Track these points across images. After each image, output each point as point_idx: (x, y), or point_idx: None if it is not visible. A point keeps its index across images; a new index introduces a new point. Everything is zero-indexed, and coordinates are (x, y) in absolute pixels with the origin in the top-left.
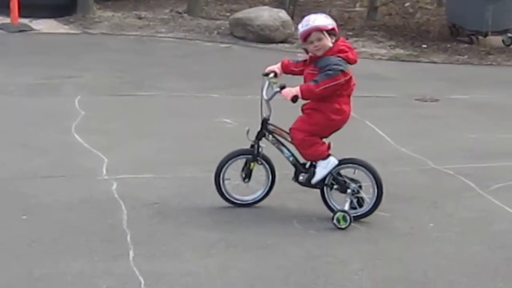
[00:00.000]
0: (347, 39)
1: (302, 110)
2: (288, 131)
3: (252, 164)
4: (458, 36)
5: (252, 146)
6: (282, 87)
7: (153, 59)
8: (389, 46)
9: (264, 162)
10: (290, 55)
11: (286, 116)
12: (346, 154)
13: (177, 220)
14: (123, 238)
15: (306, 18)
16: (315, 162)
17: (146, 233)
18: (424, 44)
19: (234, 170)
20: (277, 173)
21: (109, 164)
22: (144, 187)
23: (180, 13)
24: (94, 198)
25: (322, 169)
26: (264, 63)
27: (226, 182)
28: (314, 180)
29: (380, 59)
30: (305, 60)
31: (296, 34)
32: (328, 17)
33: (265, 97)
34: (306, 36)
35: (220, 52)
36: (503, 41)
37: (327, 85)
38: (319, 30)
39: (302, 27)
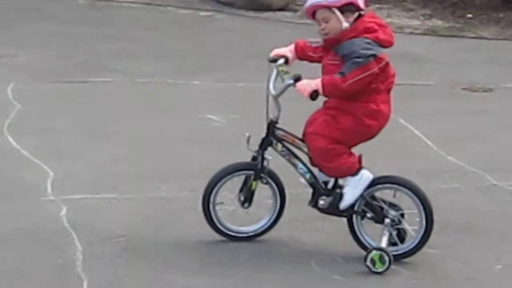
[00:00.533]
0: (367, 6)
1: (325, 108)
2: (302, 137)
3: (254, 183)
4: None
5: (255, 158)
6: (297, 79)
7: (111, 31)
8: (423, 16)
9: (270, 180)
10: (296, 29)
11: (299, 117)
12: (375, 166)
13: (152, 261)
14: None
15: None
16: (342, 179)
17: (109, 279)
18: (469, 13)
19: (229, 192)
20: (287, 195)
21: (55, 179)
22: (104, 212)
23: None
24: (35, 228)
25: (353, 188)
26: (259, 38)
27: (218, 207)
28: (344, 205)
29: (411, 33)
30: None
31: None
32: None
33: (272, 92)
34: (312, 13)
35: (200, 23)
36: None
37: (356, 78)
38: (325, 7)
39: (306, 0)
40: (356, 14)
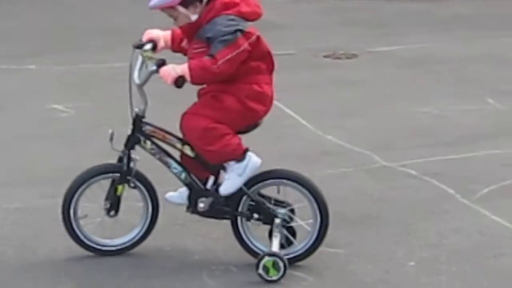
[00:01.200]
0: None
1: (200, 95)
2: (173, 134)
3: (120, 187)
4: None
5: (120, 159)
6: (160, 64)
7: None
8: None
9: (139, 183)
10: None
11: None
12: None
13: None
14: None
15: None
16: (225, 169)
17: None
18: None
19: (90, 203)
20: (159, 197)
21: None
22: None
23: None
24: None
25: (236, 176)
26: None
27: (81, 219)
28: (225, 191)
29: None
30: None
31: None
32: None
33: (136, 80)
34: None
35: None
36: None
37: (227, 57)
38: (163, 8)
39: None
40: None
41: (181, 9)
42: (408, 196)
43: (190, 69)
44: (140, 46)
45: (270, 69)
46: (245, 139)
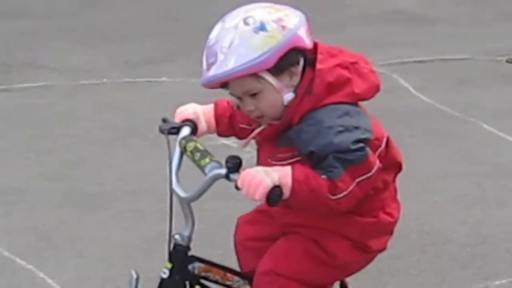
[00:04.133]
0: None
1: (284, 226)
2: (234, 270)
3: None
4: None
5: None
6: (235, 166)
7: None
8: None
9: None
10: None
11: None
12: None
13: None
14: None
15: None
16: None
17: None
18: None
19: None
20: None
21: None
22: None
23: None
24: None
25: None
26: None
27: None
28: None
29: None
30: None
31: None
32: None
33: (181, 193)
34: (221, 85)
35: None
36: None
37: (351, 187)
38: (244, 76)
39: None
40: (302, 62)
41: (270, 78)
42: None
43: (295, 179)
44: (172, 131)
45: (396, 174)
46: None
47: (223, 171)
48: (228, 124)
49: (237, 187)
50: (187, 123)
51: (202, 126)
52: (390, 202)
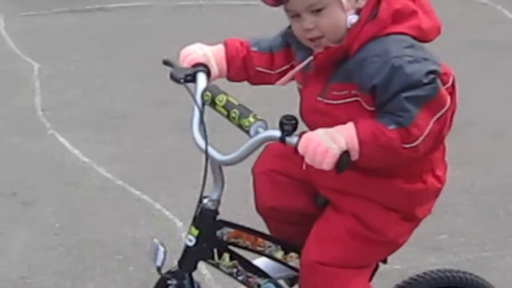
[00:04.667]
0: None
1: (321, 188)
2: (266, 234)
3: None
4: None
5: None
6: (292, 128)
7: None
8: None
9: None
10: None
11: None
12: None
13: None
14: None
15: None
16: None
17: None
18: None
19: None
20: None
21: None
22: None
23: None
24: None
25: None
26: None
27: None
28: None
29: None
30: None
31: None
32: None
33: (217, 156)
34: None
35: None
36: None
37: (429, 127)
38: None
39: None
40: None
41: None
42: None
43: (361, 141)
44: (188, 78)
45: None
46: None
47: (277, 133)
48: (241, 67)
49: (295, 151)
50: (200, 68)
51: (214, 70)
52: (440, 163)
